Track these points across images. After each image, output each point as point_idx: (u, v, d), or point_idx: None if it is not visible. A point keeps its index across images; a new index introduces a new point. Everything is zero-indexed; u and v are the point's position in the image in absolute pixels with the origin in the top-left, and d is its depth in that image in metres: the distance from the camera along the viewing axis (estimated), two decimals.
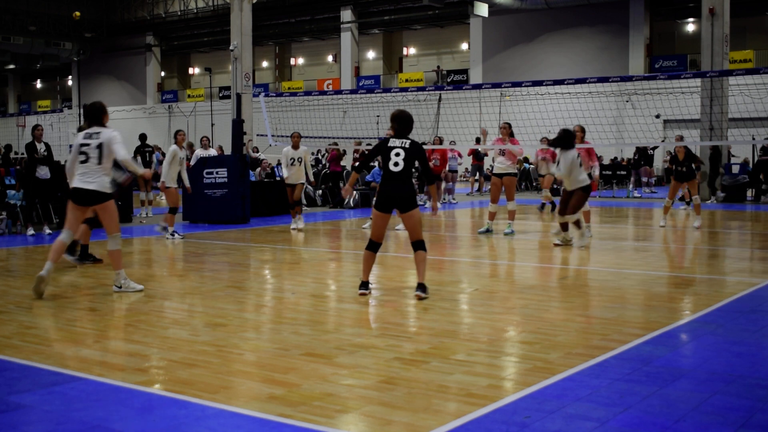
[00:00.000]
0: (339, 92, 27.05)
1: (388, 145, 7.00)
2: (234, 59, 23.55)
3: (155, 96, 50.58)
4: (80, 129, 8.07)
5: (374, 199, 7.49)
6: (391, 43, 45.76)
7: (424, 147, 8.24)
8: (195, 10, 46.70)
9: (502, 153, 12.50)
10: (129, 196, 15.37)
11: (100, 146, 7.14)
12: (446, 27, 42.89)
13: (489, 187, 27.79)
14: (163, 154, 31.87)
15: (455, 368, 4.72)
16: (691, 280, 8.28)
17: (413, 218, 6.95)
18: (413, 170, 7.11)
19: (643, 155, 26.66)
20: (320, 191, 20.65)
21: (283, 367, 4.78)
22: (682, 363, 4.90)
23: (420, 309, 6.60)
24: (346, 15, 42.70)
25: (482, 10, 36.79)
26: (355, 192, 19.76)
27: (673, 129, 31.98)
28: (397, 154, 6.91)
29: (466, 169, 33.24)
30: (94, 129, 7.26)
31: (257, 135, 24.99)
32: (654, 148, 27.15)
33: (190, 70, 52.97)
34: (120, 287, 7.41)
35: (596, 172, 11.80)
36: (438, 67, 42.02)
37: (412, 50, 45.12)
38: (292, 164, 13.35)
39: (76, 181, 7.22)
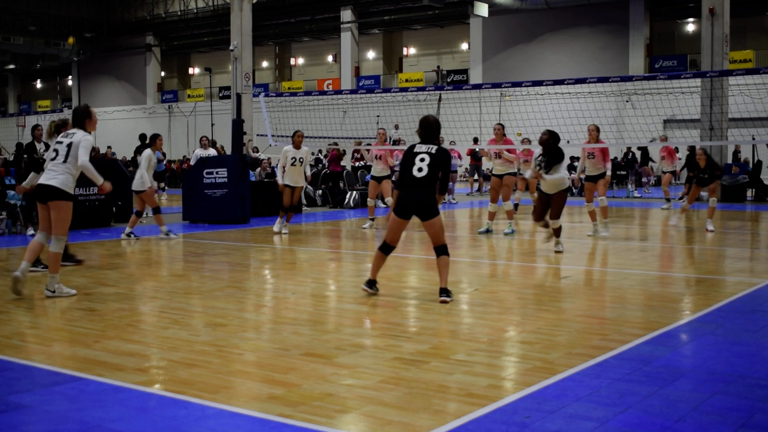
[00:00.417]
0: (339, 92, 27.05)
1: (414, 150, 6.90)
2: (234, 59, 23.55)
3: (155, 96, 50.58)
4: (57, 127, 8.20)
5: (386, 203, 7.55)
6: (391, 43, 45.76)
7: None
8: (195, 10, 46.70)
9: (498, 155, 12.58)
10: (129, 196, 15.35)
11: (69, 146, 7.18)
12: (446, 27, 42.89)
13: (488, 186, 27.88)
14: (164, 154, 31.89)
15: (455, 368, 4.72)
16: (691, 280, 8.28)
17: (435, 226, 6.84)
18: (437, 176, 6.90)
19: (645, 155, 26.67)
20: (320, 191, 20.65)
21: (283, 367, 4.78)
22: (682, 363, 4.90)
23: (420, 309, 6.60)
24: (346, 15, 42.70)
25: (482, 10, 36.79)
26: (354, 192, 19.76)
27: (673, 129, 31.98)
28: (422, 160, 6.79)
29: (466, 169, 33.25)
30: (72, 131, 7.34)
31: (257, 135, 24.99)
32: (642, 149, 27.21)
33: (190, 70, 52.97)
34: (53, 292, 7.19)
35: (608, 173, 12.00)
36: (438, 67, 42.03)
37: (412, 50, 45.12)
38: (293, 164, 12.72)
39: (41, 178, 7.26)
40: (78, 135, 7.24)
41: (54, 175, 7.14)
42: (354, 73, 43.30)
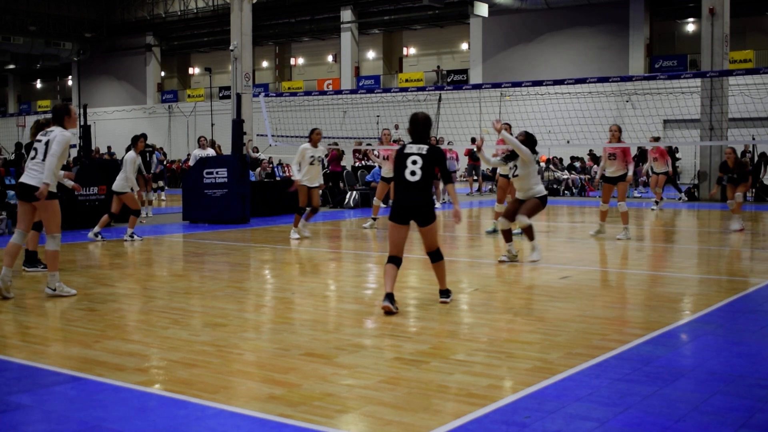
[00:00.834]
0: (339, 92, 27.06)
1: (405, 152, 6.52)
2: (234, 59, 23.55)
3: (155, 96, 50.57)
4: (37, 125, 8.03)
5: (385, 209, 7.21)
6: (391, 43, 45.76)
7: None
8: (195, 10, 46.69)
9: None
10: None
11: (47, 144, 7.12)
12: (446, 27, 42.88)
13: (488, 187, 27.92)
14: (164, 154, 31.89)
15: (455, 368, 4.72)
16: (691, 280, 8.28)
17: (431, 232, 6.54)
18: (433, 179, 6.54)
19: (643, 155, 26.61)
20: (320, 191, 20.66)
21: (283, 367, 4.78)
22: (682, 363, 4.90)
23: (420, 309, 6.60)
24: (346, 15, 42.69)
25: (482, 10, 36.78)
26: (355, 192, 19.76)
27: (673, 129, 31.98)
28: (414, 162, 6.42)
29: (465, 169, 33.24)
30: (51, 128, 7.27)
31: (257, 135, 24.98)
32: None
33: (190, 70, 52.96)
34: (54, 290, 7.19)
35: (630, 173, 11.77)
36: (438, 67, 42.02)
37: (412, 50, 45.11)
38: (311, 163, 12.18)
39: (22, 177, 7.23)
40: (55, 132, 7.15)
41: (35, 174, 7.09)
42: (354, 73, 43.30)
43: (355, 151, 24.25)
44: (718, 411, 3.94)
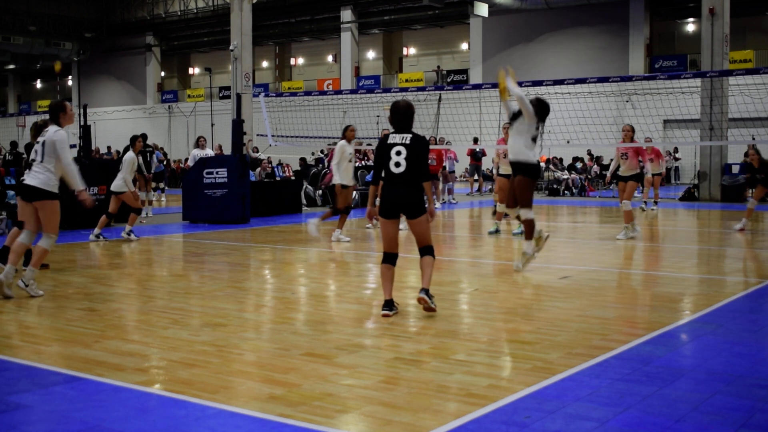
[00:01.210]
0: (339, 92, 27.07)
1: (388, 142, 6.20)
2: (234, 59, 23.55)
3: (155, 96, 50.57)
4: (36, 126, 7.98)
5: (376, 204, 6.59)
6: (391, 43, 45.75)
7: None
8: (195, 10, 46.68)
9: (506, 156, 12.56)
10: None
11: (43, 144, 7.08)
12: (446, 27, 42.88)
13: (489, 187, 27.90)
14: (165, 154, 31.86)
15: (455, 368, 4.72)
16: (691, 280, 8.28)
17: (421, 224, 6.22)
18: (419, 168, 6.18)
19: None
20: (320, 191, 20.66)
21: (283, 367, 4.78)
22: (682, 363, 4.90)
23: (420, 309, 6.59)
24: (346, 15, 42.69)
25: (482, 10, 36.78)
26: (355, 192, 19.75)
27: (673, 129, 31.97)
28: (398, 153, 6.10)
29: (465, 169, 33.22)
30: (47, 128, 7.21)
31: (257, 135, 24.98)
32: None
33: (190, 70, 52.95)
34: (26, 285, 7.15)
35: (648, 174, 11.50)
36: (438, 67, 42.02)
37: (412, 50, 45.11)
38: (349, 161, 11.93)
39: (25, 178, 7.24)
40: (50, 131, 7.09)
41: (35, 175, 7.09)
42: (354, 73, 43.29)
43: (355, 151, 24.24)
44: (718, 411, 3.94)
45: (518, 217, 8.85)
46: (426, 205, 6.26)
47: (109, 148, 37.55)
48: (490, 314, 6.40)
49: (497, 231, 12.75)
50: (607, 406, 4.01)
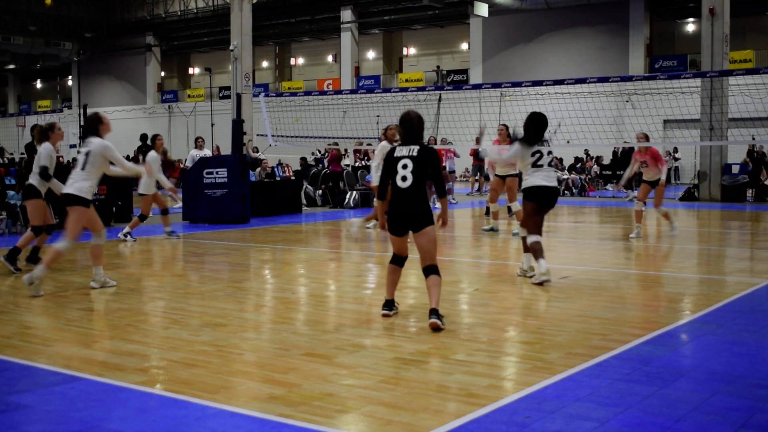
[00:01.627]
0: (339, 92, 27.07)
1: (395, 155, 6.00)
2: (234, 59, 23.54)
3: (155, 96, 50.58)
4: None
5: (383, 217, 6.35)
6: (391, 43, 45.75)
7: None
8: (195, 10, 46.69)
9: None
10: (129, 196, 15.36)
11: (87, 153, 7.46)
12: (446, 27, 42.88)
13: (488, 187, 27.87)
14: (164, 153, 31.86)
15: (455, 368, 4.72)
16: (691, 280, 8.28)
17: (427, 236, 5.93)
18: (425, 182, 5.98)
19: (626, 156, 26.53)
20: (320, 191, 20.66)
21: (283, 367, 4.78)
22: (682, 363, 4.90)
23: (420, 309, 6.59)
24: (346, 15, 42.69)
25: (482, 10, 36.78)
26: (355, 192, 19.76)
27: (673, 129, 31.98)
28: (405, 166, 5.89)
29: (466, 168, 33.22)
30: (89, 139, 7.59)
31: (257, 135, 24.98)
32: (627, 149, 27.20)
33: (190, 70, 52.96)
34: (31, 283, 7.25)
35: (663, 178, 11.90)
36: (438, 67, 42.02)
37: (412, 50, 45.11)
38: None
39: (65, 186, 7.59)
40: (95, 143, 7.47)
41: (71, 183, 7.46)
42: (354, 73, 43.30)
43: (355, 151, 24.25)
44: (718, 411, 3.94)
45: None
46: (432, 216, 6.01)
47: None
48: (490, 314, 6.40)
49: (492, 229, 12.78)
50: (607, 406, 4.01)
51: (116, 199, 14.89)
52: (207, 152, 17.29)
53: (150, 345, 5.41)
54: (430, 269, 5.99)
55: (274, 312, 6.70)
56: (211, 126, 37.48)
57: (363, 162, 23.38)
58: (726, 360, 4.92)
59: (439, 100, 38.01)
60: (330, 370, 4.70)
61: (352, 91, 26.20)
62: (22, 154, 17.68)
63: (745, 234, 13.08)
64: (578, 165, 29.12)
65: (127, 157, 14.15)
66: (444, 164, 20.84)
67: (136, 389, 4.33)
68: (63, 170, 14.74)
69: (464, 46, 42.37)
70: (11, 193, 13.90)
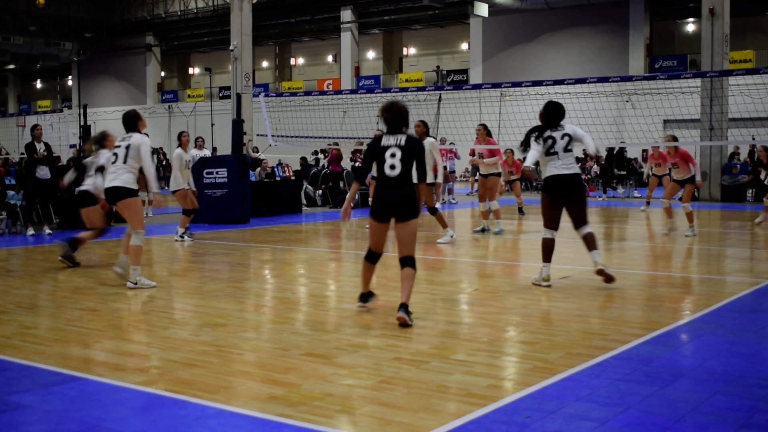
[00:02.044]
0: (339, 92, 27.07)
1: (382, 144, 6.06)
2: (234, 59, 23.55)
3: (155, 96, 50.56)
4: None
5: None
6: (391, 43, 45.73)
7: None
8: (195, 10, 46.67)
9: (482, 156, 12.83)
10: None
11: (128, 147, 7.72)
12: (446, 27, 42.86)
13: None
14: (163, 154, 31.86)
15: (455, 368, 4.72)
16: (691, 280, 8.28)
17: (409, 228, 5.98)
18: (412, 171, 6.07)
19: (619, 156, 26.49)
20: (320, 191, 20.66)
21: (283, 367, 4.78)
22: (682, 363, 4.90)
23: (420, 309, 6.59)
24: (346, 15, 42.68)
25: (482, 10, 36.77)
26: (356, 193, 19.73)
27: (673, 129, 31.95)
28: (393, 155, 5.97)
29: (466, 168, 33.21)
30: (129, 134, 7.86)
31: (257, 135, 24.98)
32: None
33: (190, 70, 52.93)
34: (135, 283, 7.64)
35: (698, 177, 12.39)
36: (438, 67, 42.01)
37: (412, 50, 45.09)
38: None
39: (105, 182, 7.87)
40: (136, 137, 7.77)
41: (116, 176, 7.68)
42: (354, 73, 43.28)
43: (355, 151, 24.23)
44: (718, 411, 3.94)
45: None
46: (416, 209, 6.03)
47: None
48: (490, 314, 6.40)
49: (484, 230, 12.81)
50: (607, 406, 4.01)
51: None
52: (207, 152, 17.29)
53: (150, 345, 5.41)
54: (408, 260, 6.02)
55: (274, 312, 6.70)
56: (211, 126, 37.48)
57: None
58: (726, 360, 4.92)
59: (439, 100, 38.00)
60: (330, 370, 4.69)
61: (352, 91, 26.20)
62: (22, 154, 17.68)
63: (745, 234, 13.08)
64: (578, 165, 29.10)
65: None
66: (444, 164, 20.83)
67: (136, 389, 4.33)
68: (62, 170, 14.75)
69: (464, 46, 42.36)
70: (11, 193, 13.90)
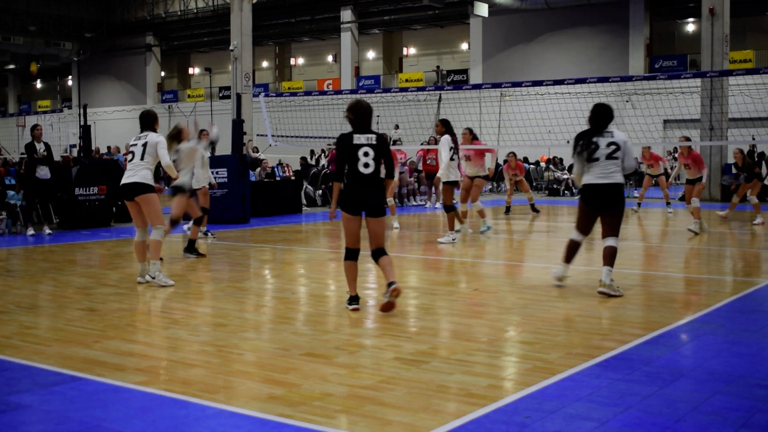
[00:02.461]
0: (339, 92, 27.00)
1: (354, 142, 6.28)
2: (234, 59, 23.55)
3: (155, 96, 50.54)
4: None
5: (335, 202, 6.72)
6: (391, 43, 45.72)
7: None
8: (195, 10, 46.65)
9: (468, 158, 12.91)
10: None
11: (144, 145, 7.93)
12: (446, 27, 42.85)
13: (488, 187, 27.86)
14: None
15: (455, 368, 4.72)
16: (691, 280, 8.28)
17: (381, 223, 6.33)
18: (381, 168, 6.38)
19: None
20: (320, 191, 20.66)
21: (283, 367, 4.78)
22: (682, 363, 4.90)
23: (420, 309, 6.60)
24: (346, 15, 42.67)
25: (482, 10, 36.77)
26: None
27: (673, 129, 31.95)
28: (366, 154, 6.22)
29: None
30: (144, 133, 8.08)
31: (257, 135, 24.97)
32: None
33: (190, 70, 52.92)
34: (153, 278, 7.83)
35: (704, 179, 13.19)
36: (438, 67, 42.00)
37: (412, 50, 45.09)
38: (452, 158, 11.49)
39: (123, 179, 7.95)
40: (152, 136, 8.00)
41: (134, 173, 7.85)
42: (354, 73, 43.27)
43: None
44: (718, 411, 3.94)
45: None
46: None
47: (109, 148, 37.52)
48: (490, 314, 6.40)
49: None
50: (607, 406, 4.01)
51: (116, 199, 14.88)
52: (207, 152, 17.28)
53: (150, 345, 5.41)
54: (381, 251, 6.37)
55: (274, 312, 6.70)
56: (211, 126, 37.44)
57: None
58: (726, 360, 4.92)
59: (439, 100, 38.00)
60: (330, 370, 4.69)
61: (352, 91, 26.15)
62: (23, 153, 17.67)
63: (745, 234, 13.08)
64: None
65: None
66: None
67: (136, 389, 4.33)
68: (62, 170, 14.76)
69: (464, 46, 42.35)
70: (11, 193, 13.89)
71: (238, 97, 16.85)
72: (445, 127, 11.61)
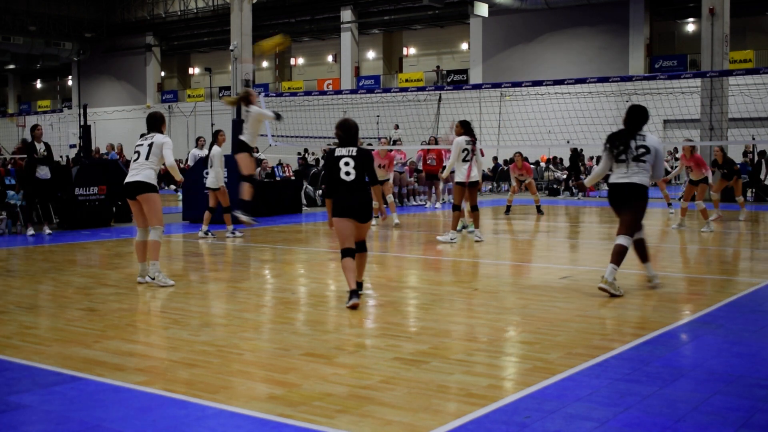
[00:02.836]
0: (339, 92, 27.04)
1: (336, 155, 6.91)
2: (234, 59, 23.55)
3: (155, 96, 50.55)
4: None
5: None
6: (391, 43, 45.73)
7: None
8: (195, 10, 46.66)
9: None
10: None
11: (150, 145, 8.00)
12: (446, 27, 42.86)
13: (488, 187, 27.89)
14: None
15: (455, 368, 4.72)
16: (691, 280, 8.28)
17: (366, 226, 6.98)
18: (365, 177, 6.94)
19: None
20: (320, 191, 20.65)
21: (283, 367, 4.78)
22: (682, 363, 4.90)
23: (420, 309, 6.60)
24: (346, 15, 42.67)
25: (482, 10, 36.77)
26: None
27: (673, 129, 31.95)
28: (347, 164, 6.83)
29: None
30: (151, 134, 8.16)
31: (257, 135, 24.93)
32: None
33: (190, 70, 52.92)
34: (153, 279, 7.86)
35: (710, 179, 13.55)
36: (438, 67, 42.01)
37: (412, 50, 45.09)
38: (465, 159, 11.29)
39: (126, 178, 8.00)
40: (159, 137, 8.09)
41: (138, 172, 7.92)
42: (354, 73, 43.28)
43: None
44: (718, 411, 3.94)
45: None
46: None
47: (111, 146, 37.51)
48: (490, 314, 6.40)
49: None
50: (607, 406, 4.01)
51: (116, 199, 14.89)
52: (206, 152, 17.31)
53: (150, 345, 5.41)
54: (363, 245, 7.03)
55: (274, 312, 6.70)
56: (211, 126, 37.43)
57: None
58: (726, 360, 4.92)
59: (439, 100, 37.99)
60: (330, 370, 4.69)
61: (352, 91, 26.17)
62: (15, 151, 17.68)
63: (745, 234, 13.09)
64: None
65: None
66: (444, 164, 20.84)
67: (136, 389, 4.33)
68: (64, 170, 14.76)
69: (464, 46, 42.36)
70: (11, 193, 13.89)
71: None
72: (464, 128, 11.46)
